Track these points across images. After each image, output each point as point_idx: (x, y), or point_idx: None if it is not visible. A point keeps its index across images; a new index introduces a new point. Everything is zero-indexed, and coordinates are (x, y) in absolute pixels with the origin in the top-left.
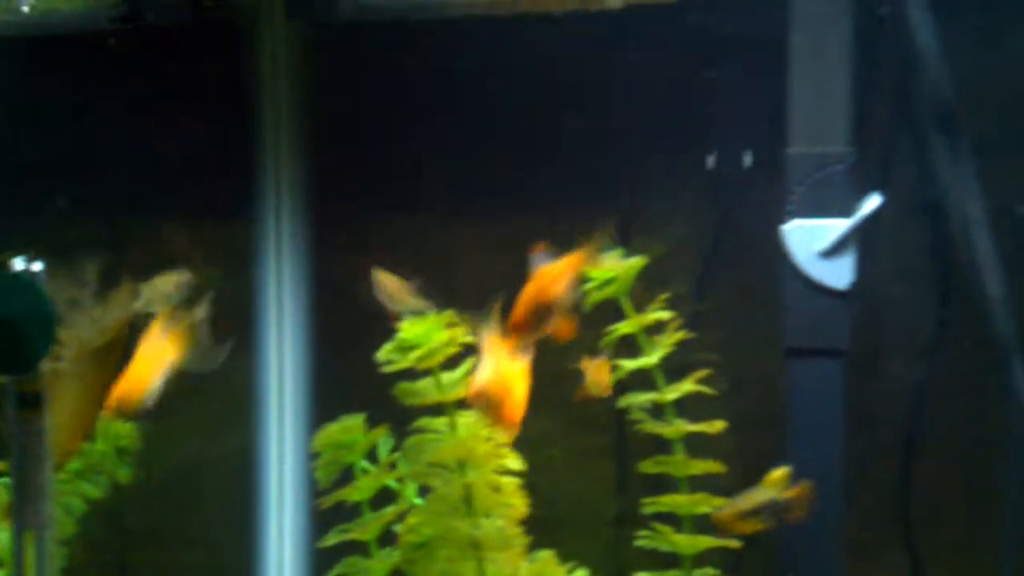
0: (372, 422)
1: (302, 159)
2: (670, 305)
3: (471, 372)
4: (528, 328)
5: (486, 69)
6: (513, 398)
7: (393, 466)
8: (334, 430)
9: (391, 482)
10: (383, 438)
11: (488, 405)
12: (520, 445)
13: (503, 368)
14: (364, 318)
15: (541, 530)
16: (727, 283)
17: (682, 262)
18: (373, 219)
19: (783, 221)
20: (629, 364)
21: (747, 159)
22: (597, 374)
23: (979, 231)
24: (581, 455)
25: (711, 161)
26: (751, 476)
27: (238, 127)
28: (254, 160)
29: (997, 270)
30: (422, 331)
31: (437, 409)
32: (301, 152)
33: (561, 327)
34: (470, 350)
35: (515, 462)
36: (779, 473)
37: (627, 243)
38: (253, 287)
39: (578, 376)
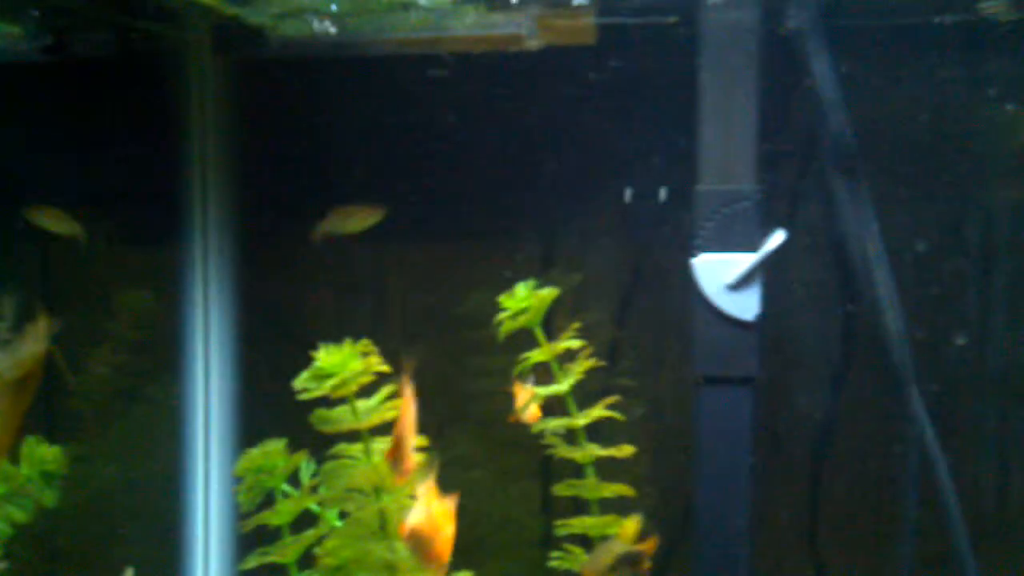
0: (300, 446)
1: (229, 187)
2: (593, 333)
3: (387, 399)
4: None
5: (409, 104)
6: (441, 538)
7: (315, 490)
8: (255, 455)
9: (313, 505)
10: (305, 462)
11: (418, 545)
12: (445, 467)
13: (433, 509)
14: (291, 342)
15: (464, 551)
16: (647, 312)
17: (605, 291)
18: (299, 245)
19: (693, 255)
20: (542, 391)
21: (663, 194)
22: (526, 399)
23: (878, 267)
24: (506, 476)
25: (628, 195)
26: (669, 498)
27: (165, 156)
28: (181, 188)
29: (895, 304)
30: (337, 360)
31: (356, 435)
32: (228, 180)
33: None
34: (385, 378)
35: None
36: (632, 524)
37: (548, 273)
38: (180, 312)
39: (504, 398)
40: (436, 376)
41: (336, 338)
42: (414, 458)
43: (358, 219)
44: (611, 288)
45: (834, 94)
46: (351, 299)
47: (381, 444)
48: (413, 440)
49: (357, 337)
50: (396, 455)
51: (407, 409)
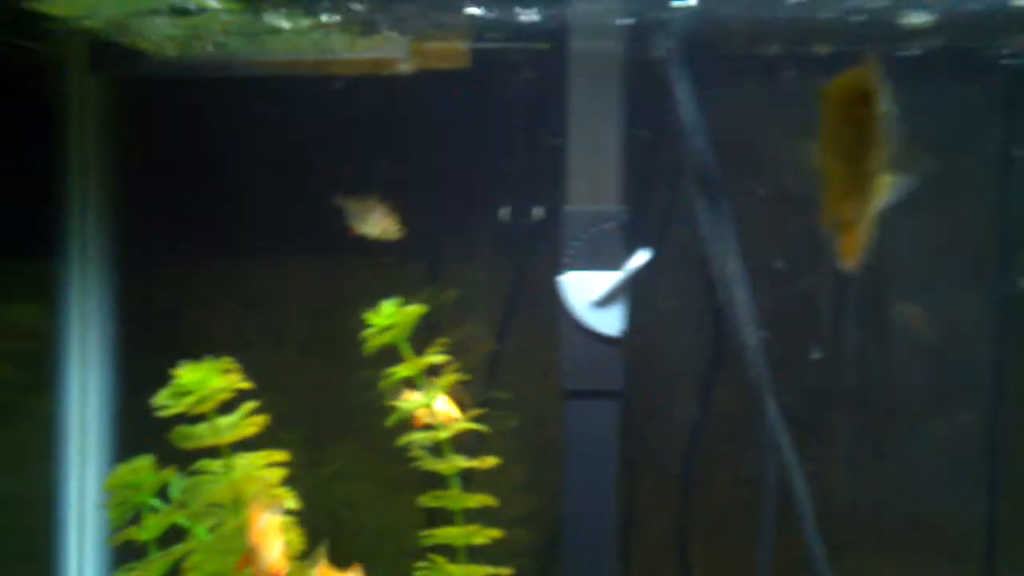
0: (180, 461)
1: (109, 201)
2: (474, 346)
3: (248, 415)
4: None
5: (288, 125)
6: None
7: (184, 505)
8: (123, 471)
9: (183, 520)
10: (175, 478)
11: None
12: (328, 478)
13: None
14: (173, 355)
15: (345, 563)
16: (523, 326)
17: (485, 306)
18: (174, 260)
19: (560, 272)
20: (406, 405)
21: (538, 212)
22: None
23: (737, 285)
24: (389, 487)
25: (505, 214)
26: (545, 508)
27: (43, 169)
28: (59, 202)
29: (752, 321)
30: (197, 377)
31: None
32: (108, 195)
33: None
34: (246, 395)
35: (291, 501)
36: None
37: (427, 289)
38: (57, 326)
39: (388, 411)
40: (323, 390)
41: (222, 352)
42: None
43: (376, 222)
44: (492, 303)
45: (695, 119)
46: (238, 313)
47: (242, 460)
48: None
49: (242, 350)
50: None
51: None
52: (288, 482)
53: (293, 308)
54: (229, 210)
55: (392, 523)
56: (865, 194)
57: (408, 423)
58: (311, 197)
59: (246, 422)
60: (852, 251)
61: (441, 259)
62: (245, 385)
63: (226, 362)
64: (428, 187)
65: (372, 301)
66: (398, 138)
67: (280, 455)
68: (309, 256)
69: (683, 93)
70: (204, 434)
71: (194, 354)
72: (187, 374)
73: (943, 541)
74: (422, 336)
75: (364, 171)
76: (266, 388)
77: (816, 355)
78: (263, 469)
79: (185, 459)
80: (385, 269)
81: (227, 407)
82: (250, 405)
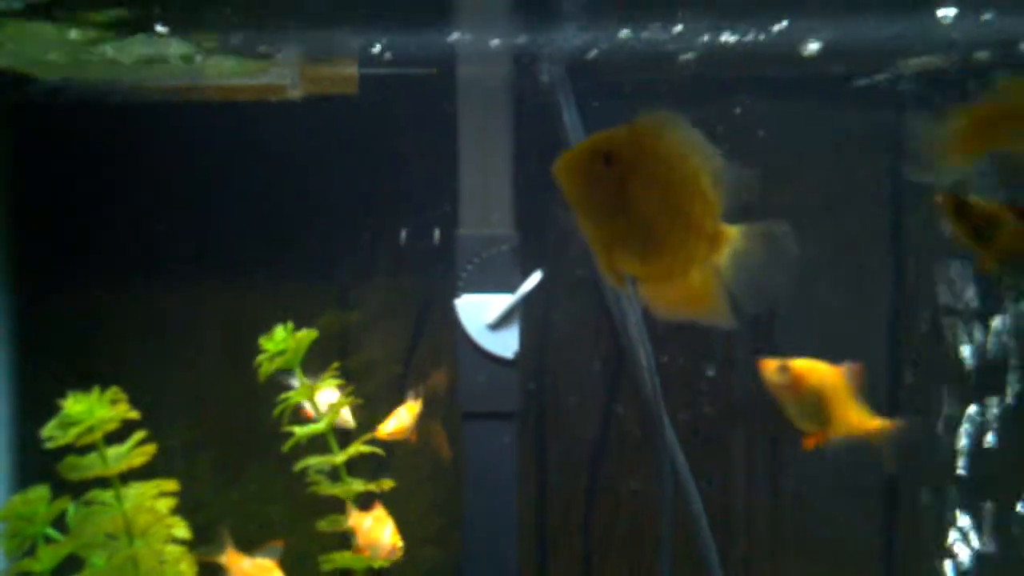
0: (79, 490)
1: (4, 229)
2: (380, 368)
3: (137, 445)
4: None
5: (180, 150)
6: None
7: (79, 536)
8: (17, 501)
9: (77, 551)
10: (72, 508)
11: None
12: (241, 500)
13: None
14: (77, 383)
15: None
16: (427, 349)
17: (387, 328)
18: (74, 285)
19: (456, 295)
20: (300, 431)
21: (436, 235)
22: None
23: (630, 306)
24: (304, 509)
25: (403, 237)
26: (456, 527)
27: None
28: None
29: (645, 341)
30: (84, 408)
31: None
32: (3, 222)
33: None
34: (133, 426)
35: (182, 531)
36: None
37: (328, 312)
38: None
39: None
40: (235, 412)
41: (128, 377)
42: None
43: None
44: (394, 325)
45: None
46: (146, 337)
47: (133, 490)
48: None
49: (153, 374)
50: None
51: None
52: (201, 504)
53: (201, 331)
54: (128, 234)
55: (306, 546)
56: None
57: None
58: (213, 221)
59: (135, 452)
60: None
61: (349, 281)
62: (132, 415)
63: (114, 392)
64: (327, 210)
65: (279, 323)
66: (293, 163)
67: (170, 484)
68: (218, 279)
69: (570, 117)
70: (93, 465)
71: (96, 380)
72: (73, 405)
73: (841, 551)
74: (332, 357)
75: (262, 195)
76: (176, 412)
77: (711, 372)
78: (154, 499)
79: (86, 489)
80: (295, 291)
81: (118, 436)
82: (139, 435)
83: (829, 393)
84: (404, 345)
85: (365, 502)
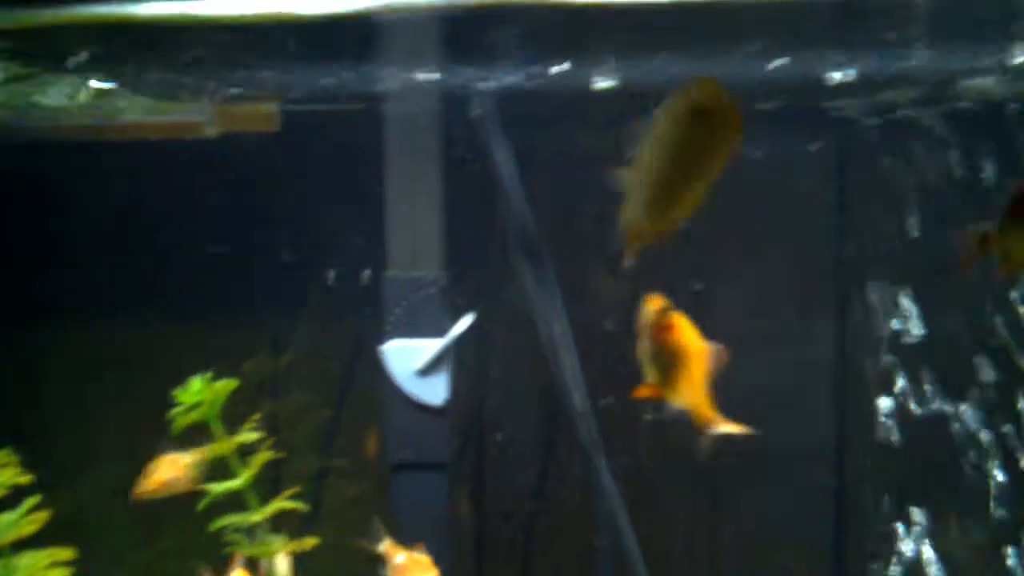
0: None
1: None
2: (308, 415)
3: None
4: None
5: (96, 189)
6: None
7: None
8: None
9: None
10: None
11: None
12: (161, 554)
13: None
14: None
15: None
16: (362, 392)
17: (319, 374)
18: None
19: (382, 341)
20: (217, 488)
21: (365, 276)
22: None
23: (565, 348)
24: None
25: (331, 278)
26: None
27: None
28: None
29: (580, 384)
30: None
31: None
32: None
33: None
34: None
35: None
36: None
37: (254, 357)
38: None
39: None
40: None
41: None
42: None
43: None
44: (323, 369)
45: (514, 179)
46: (70, 383)
47: (25, 559)
48: None
49: (72, 421)
50: None
51: None
52: (119, 559)
53: (124, 377)
54: (44, 276)
55: None
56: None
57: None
58: (130, 264)
59: (25, 520)
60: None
61: (280, 325)
62: (22, 480)
63: (3, 455)
64: (255, 251)
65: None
66: (220, 203)
67: (65, 553)
68: (141, 324)
69: (501, 153)
70: None
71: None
72: None
73: None
74: (262, 402)
75: (187, 236)
76: (95, 461)
77: (648, 415)
78: (47, 569)
79: None
80: (224, 335)
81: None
82: (31, 501)
83: (687, 358)
84: (335, 390)
85: None
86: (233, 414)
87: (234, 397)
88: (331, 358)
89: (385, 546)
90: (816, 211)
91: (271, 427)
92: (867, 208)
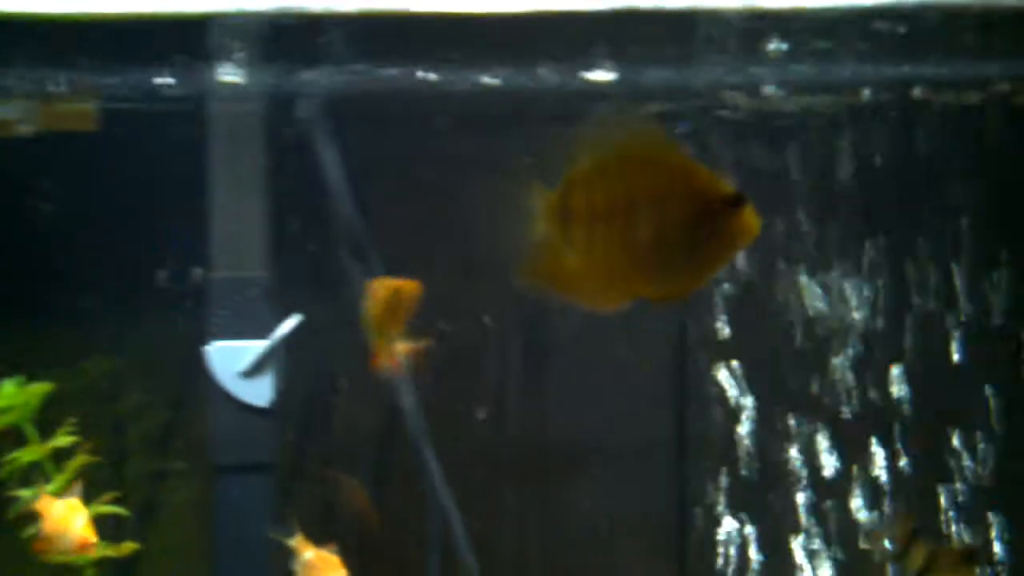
0: None
1: None
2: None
3: None
4: None
5: None
6: None
7: None
8: None
9: None
10: None
11: None
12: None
13: None
14: None
15: None
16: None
17: (152, 374)
18: None
19: (206, 342)
20: (26, 493)
21: (196, 276)
22: None
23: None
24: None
25: (162, 278)
26: None
27: None
28: None
29: (411, 384)
30: None
31: None
32: None
33: None
34: None
35: None
36: None
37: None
38: None
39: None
40: None
41: None
42: None
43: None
44: (159, 370)
45: (341, 181)
46: None
47: None
48: None
49: None
50: None
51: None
52: None
53: None
54: None
55: None
56: None
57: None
58: None
59: None
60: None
61: (116, 326)
62: None
63: None
64: (89, 252)
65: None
66: (52, 202)
67: None
68: None
69: (329, 157)
70: None
71: None
72: None
73: None
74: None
75: (20, 235)
76: None
77: (482, 415)
78: None
79: None
80: (61, 336)
81: None
82: None
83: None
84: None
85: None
86: (71, 415)
87: (69, 399)
88: (167, 360)
89: (296, 542)
90: None
91: (112, 428)
92: None
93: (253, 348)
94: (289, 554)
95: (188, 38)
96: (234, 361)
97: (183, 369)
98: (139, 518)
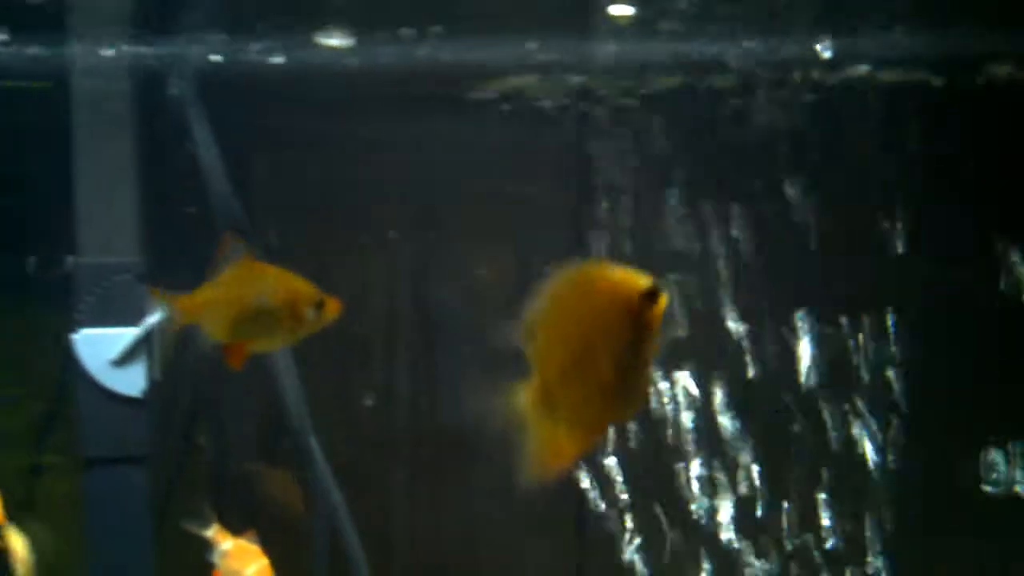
0: None
1: None
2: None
3: None
4: None
5: None
6: None
7: None
8: None
9: None
10: None
11: None
12: None
13: None
14: None
15: None
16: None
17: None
18: None
19: (74, 330)
20: None
21: (69, 263)
22: None
23: None
24: None
25: (31, 264)
26: None
27: None
28: None
29: (292, 370)
30: None
31: None
32: None
33: None
34: None
35: None
36: None
37: None
38: None
39: None
40: None
41: None
42: None
43: None
44: (34, 361)
45: (216, 160)
46: None
47: None
48: None
49: None
50: None
51: None
52: None
53: None
54: None
55: None
56: None
57: None
58: None
59: None
60: None
61: None
62: None
63: None
64: None
65: None
66: None
67: None
68: None
69: (202, 136)
70: None
71: None
72: None
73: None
74: None
75: None
76: None
77: (369, 401)
78: None
79: None
80: None
81: None
82: None
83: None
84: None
85: None
86: None
87: None
88: (43, 350)
89: (213, 532)
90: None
91: None
92: None
93: (124, 336)
94: (207, 545)
95: (50, 11)
96: (104, 349)
97: (60, 359)
98: (15, 515)
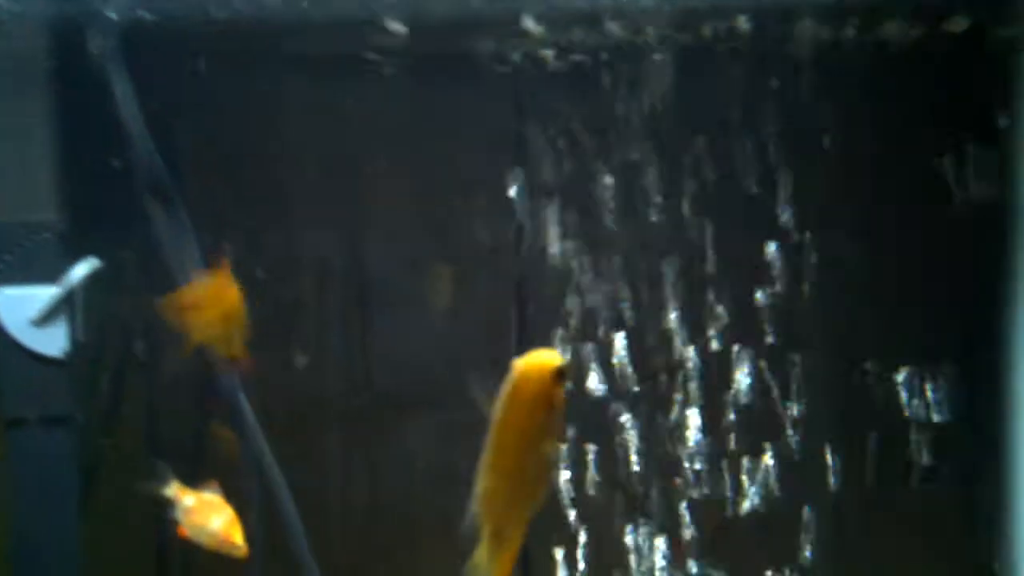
0: None
1: None
2: None
3: None
4: None
5: None
6: None
7: None
8: None
9: None
10: None
11: None
12: None
13: None
14: None
15: None
16: None
17: None
18: None
19: None
20: None
21: None
22: None
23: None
24: None
25: None
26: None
27: None
28: None
29: None
30: None
31: None
32: None
33: None
34: None
35: None
36: None
37: None
38: None
39: None
40: None
41: None
42: None
43: None
44: None
45: (138, 118)
46: None
47: None
48: None
49: None
50: None
51: None
52: None
53: None
54: None
55: None
56: None
57: None
58: None
59: None
60: None
61: None
62: None
63: None
64: None
65: None
66: None
67: None
68: None
69: (123, 93)
70: None
71: None
72: None
73: (441, 539)
74: None
75: None
76: None
77: (302, 361)
78: None
79: None
80: None
81: None
82: None
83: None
84: None
85: None
86: None
87: None
88: None
89: (173, 490)
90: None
91: None
92: None
93: (43, 295)
94: (167, 503)
95: None
96: (24, 309)
97: None
98: None
